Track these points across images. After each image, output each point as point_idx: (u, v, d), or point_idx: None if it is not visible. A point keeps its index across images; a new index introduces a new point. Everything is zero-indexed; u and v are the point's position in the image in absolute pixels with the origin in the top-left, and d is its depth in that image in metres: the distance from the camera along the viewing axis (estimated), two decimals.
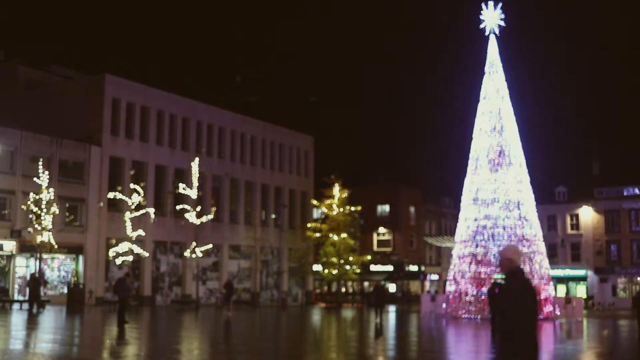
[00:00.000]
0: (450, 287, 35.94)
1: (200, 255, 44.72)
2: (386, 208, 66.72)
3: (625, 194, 64.07)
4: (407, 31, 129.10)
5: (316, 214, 60.92)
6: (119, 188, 42.06)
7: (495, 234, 34.74)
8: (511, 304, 5.81)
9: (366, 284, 65.06)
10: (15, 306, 33.98)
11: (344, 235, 53.87)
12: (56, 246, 36.09)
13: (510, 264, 5.97)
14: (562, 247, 64.71)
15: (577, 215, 65.37)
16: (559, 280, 55.34)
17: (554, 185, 66.08)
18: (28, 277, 35.60)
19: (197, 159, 46.58)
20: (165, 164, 47.51)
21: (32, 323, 24.74)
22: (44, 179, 36.04)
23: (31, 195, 35.55)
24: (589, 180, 66.48)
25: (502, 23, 37.28)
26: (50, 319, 27.01)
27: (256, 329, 27.12)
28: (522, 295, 5.87)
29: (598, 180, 66.86)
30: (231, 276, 50.33)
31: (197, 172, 45.66)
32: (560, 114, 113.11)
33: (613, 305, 58.99)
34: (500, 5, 36.99)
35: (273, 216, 56.21)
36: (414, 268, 67.48)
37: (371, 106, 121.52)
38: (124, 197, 41.85)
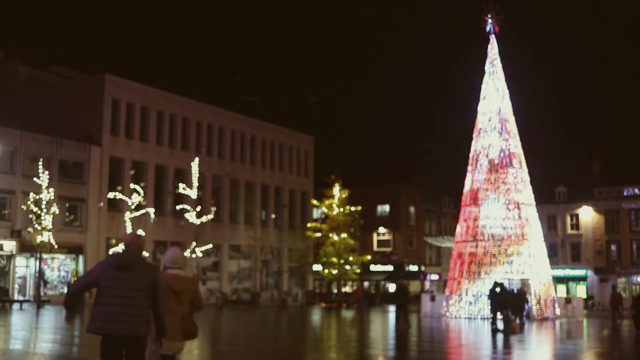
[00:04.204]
0: (450, 287, 35.94)
1: (200, 255, 44.70)
2: (386, 208, 66.74)
3: (625, 194, 64.08)
4: (407, 31, 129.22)
5: (316, 214, 60.90)
6: (119, 188, 42.05)
7: (495, 234, 34.73)
8: None
9: (366, 283, 65.09)
10: (15, 306, 33.98)
11: (344, 235, 53.84)
12: (56, 246, 36.10)
13: None
14: (562, 247, 64.72)
15: (577, 215, 65.38)
16: (559, 280, 55.30)
17: (554, 185, 66.04)
18: None
19: (197, 159, 46.57)
20: (165, 164, 47.50)
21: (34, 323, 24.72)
22: (44, 179, 36.03)
23: (31, 195, 35.54)
24: (589, 180, 66.46)
25: (503, 22, 37.29)
26: (50, 319, 26.99)
27: (255, 328, 27.11)
28: None
29: (598, 180, 66.85)
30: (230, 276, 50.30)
31: (197, 172, 45.64)
32: (561, 114, 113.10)
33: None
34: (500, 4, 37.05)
35: (273, 216, 56.20)
36: (414, 268, 67.51)
37: (371, 106, 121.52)
38: (124, 197, 41.84)
